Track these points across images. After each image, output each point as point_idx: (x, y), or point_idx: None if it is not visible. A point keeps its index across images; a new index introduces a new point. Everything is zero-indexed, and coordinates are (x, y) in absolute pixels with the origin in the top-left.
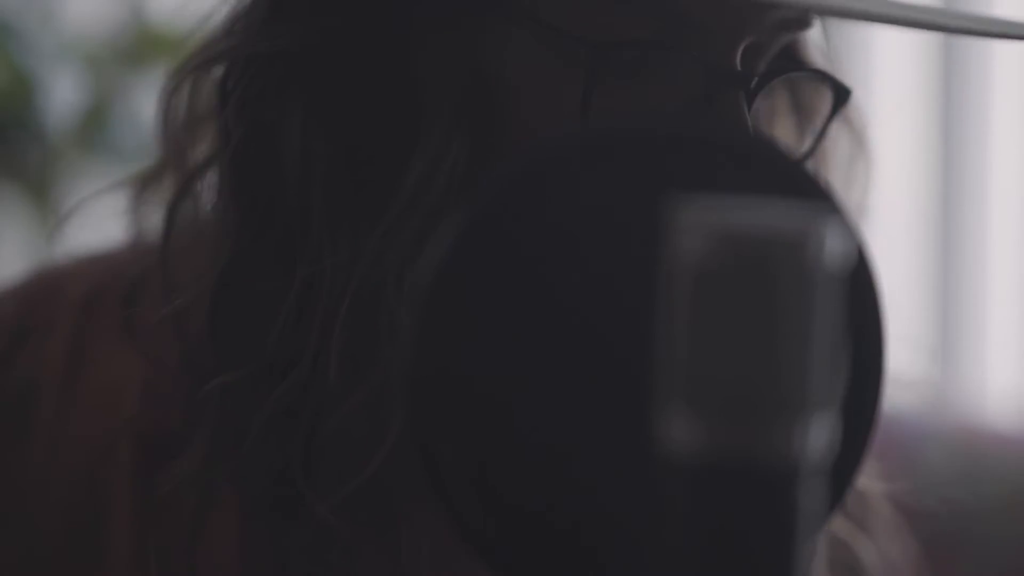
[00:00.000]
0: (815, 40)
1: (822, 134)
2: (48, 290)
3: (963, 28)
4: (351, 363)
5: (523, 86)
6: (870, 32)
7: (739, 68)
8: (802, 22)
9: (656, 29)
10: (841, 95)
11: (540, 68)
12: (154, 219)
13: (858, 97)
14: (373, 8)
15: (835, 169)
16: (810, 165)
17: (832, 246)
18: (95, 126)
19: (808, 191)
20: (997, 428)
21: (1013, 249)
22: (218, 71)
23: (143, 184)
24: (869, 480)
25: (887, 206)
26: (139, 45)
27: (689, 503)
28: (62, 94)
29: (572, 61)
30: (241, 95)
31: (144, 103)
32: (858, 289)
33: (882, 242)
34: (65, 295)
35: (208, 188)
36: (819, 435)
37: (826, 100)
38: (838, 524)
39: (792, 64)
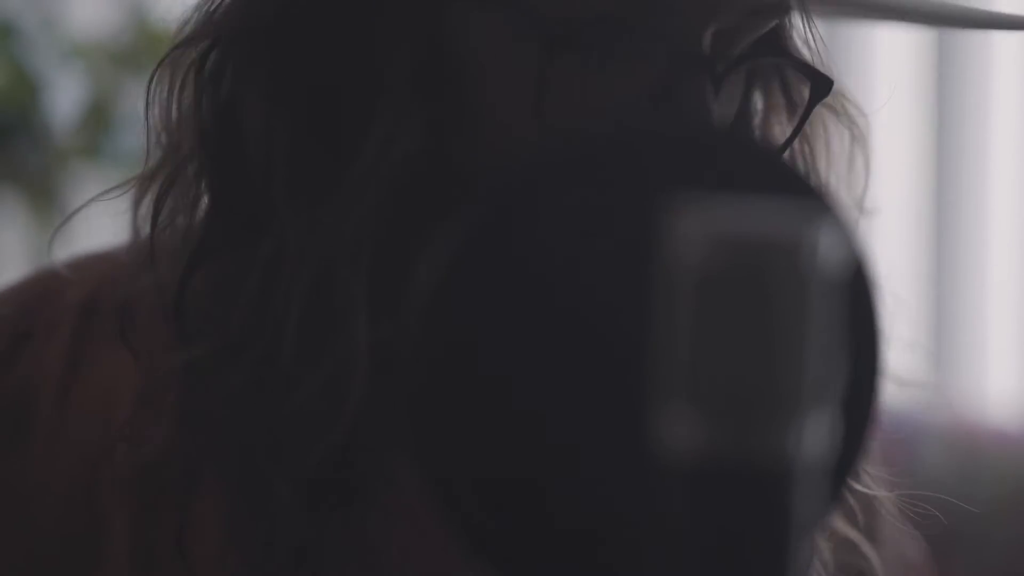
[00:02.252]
0: (800, 32)
1: (801, 125)
2: (47, 293)
3: (935, 17)
4: (309, 340)
5: (482, 63)
6: (865, 29)
7: (706, 53)
8: (778, 8)
9: (618, 7)
10: (821, 86)
11: (499, 44)
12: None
13: (854, 92)
14: None
15: (832, 165)
16: (806, 162)
17: (828, 247)
18: (97, 127)
19: (803, 192)
20: (995, 427)
21: (1011, 248)
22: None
23: (140, 183)
24: (877, 486)
25: (884, 205)
26: (141, 47)
27: (687, 502)
28: (64, 96)
29: (529, 37)
30: (210, 77)
31: None
32: (855, 289)
33: (879, 242)
34: (64, 298)
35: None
36: (816, 435)
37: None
38: (847, 530)
39: (765, 51)
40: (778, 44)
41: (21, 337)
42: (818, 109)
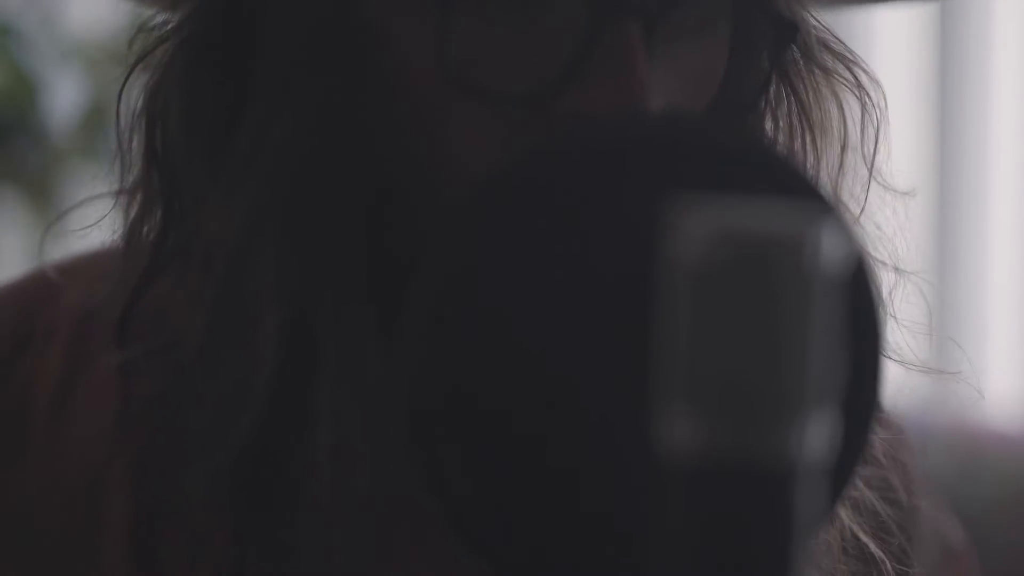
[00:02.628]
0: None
1: (767, 82)
2: (46, 295)
3: None
4: (216, 335)
5: (383, 29)
6: (864, 14)
7: None
8: None
9: None
10: (786, 33)
11: (400, 7)
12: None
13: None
14: None
15: (832, 143)
16: (801, 140)
17: (830, 245)
18: (95, 128)
19: (804, 191)
20: (996, 429)
21: (1012, 249)
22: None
23: (123, 186)
24: (919, 497)
25: (886, 203)
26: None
27: (688, 502)
28: (63, 96)
29: None
30: (148, 73)
31: None
32: (856, 288)
33: (881, 238)
34: (63, 301)
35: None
36: (818, 435)
37: (823, 80)
38: (886, 518)
39: None
40: None
41: (19, 341)
42: (824, 77)
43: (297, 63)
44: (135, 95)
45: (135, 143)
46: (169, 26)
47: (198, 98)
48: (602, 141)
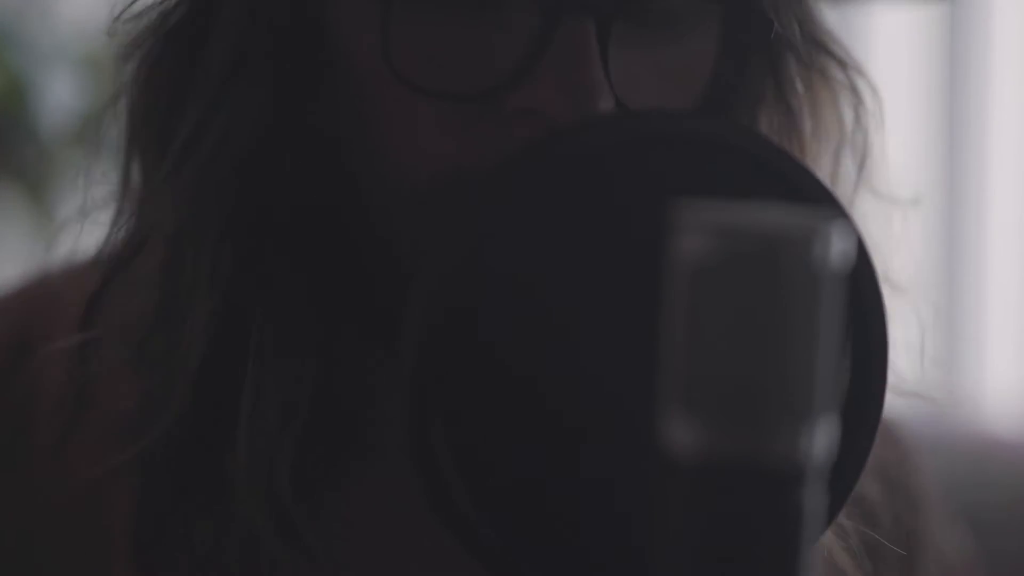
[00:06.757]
0: None
1: (736, 76)
2: (47, 302)
3: None
4: (155, 320)
5: (331, 28)
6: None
7: None
8: None
9: None
10: (760, 30)
11: (346, 7)
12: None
13: (866, 66)
14: None
15: (825, 146)
16: (789, 138)
17: (834, 246)
18: (92, 128)
19: (809, 191)
20: (1003, 435)
21: (1018, 255)
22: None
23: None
24: (922, 484)
25: (883, 212)
26: None
27: (692, 505)
28: (59, 95)
29: None
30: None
31: None
32: (859, 291)
33: (886, 242)
34: (64, 309)
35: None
36: (822, 438)
37: (819, 84)
38: (889, 530)
39: None
40: None
41: (21, 348)
42: (820, 81)
43: (243, 55)
44: (123, 90)
45: (116, 139)
46: (155, 15)
47: (159, 89)
48: (604, 140)
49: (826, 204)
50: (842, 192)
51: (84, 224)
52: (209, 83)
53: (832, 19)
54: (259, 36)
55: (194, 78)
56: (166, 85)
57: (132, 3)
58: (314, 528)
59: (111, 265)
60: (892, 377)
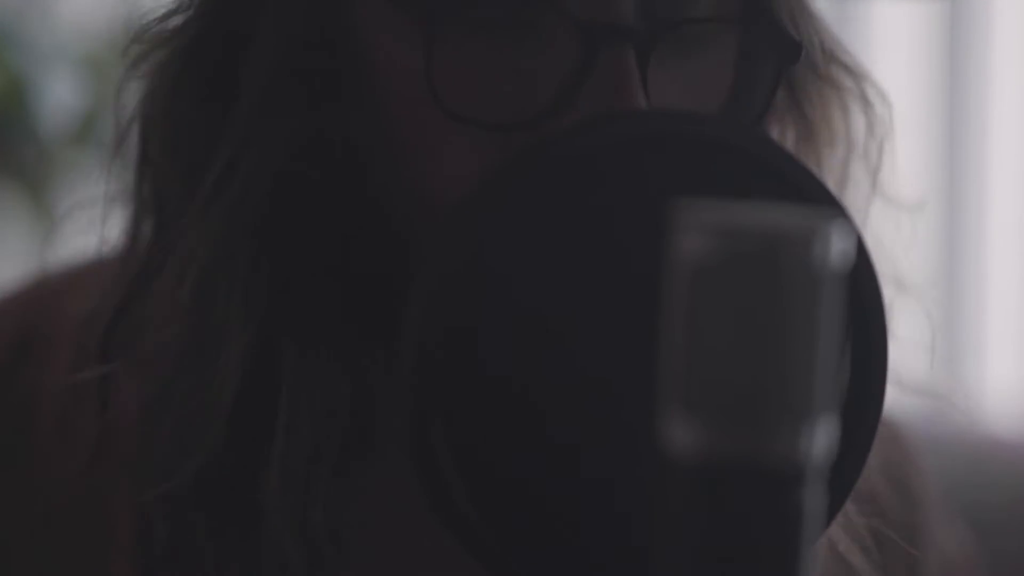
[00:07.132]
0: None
1: (771, 99)
2: (47, 304)
3: None
4: (185, 351)
5: (370, 52)
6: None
7: (627, 21)
8: None
9: None
10: (788, 53)
11: (387, 31)
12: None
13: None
14: None
15: (836, 154)
16: (803, 149)
17: (834, 246)
18: (93, 127)
19: (809, 191)
20: (1003, 435)
21: (1017, 253)
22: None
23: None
24: (924, 483)
25: (891, 217)
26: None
27: (692, 505)
28: (60, 95)
29: (415, 19)
30: (144, 75)
31: None
32: (859, 291)
33: (888, 252)
34: (65, 309)
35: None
36: (822, 438)
37: (831, 94)
38: (889, 529)
39: (705, 15)
40: (729, 7)
41: (22, 349)
42: (832, 90)
43: (280, 81)
44: (131, 97)
45: (128, 148)
46: (169, 26)
47: (184, 110)
48: (602, 141)
49: (826, 204)
50: (856, 199)
51: (83, 224)
52: (239, 115)
53: (832, 15)
54: (292, 64)
55: (222, 109)
56: (190, 113)
57: (146, 12)
58: (338, 553)
59: (126, 294)
60: (893, 376)
